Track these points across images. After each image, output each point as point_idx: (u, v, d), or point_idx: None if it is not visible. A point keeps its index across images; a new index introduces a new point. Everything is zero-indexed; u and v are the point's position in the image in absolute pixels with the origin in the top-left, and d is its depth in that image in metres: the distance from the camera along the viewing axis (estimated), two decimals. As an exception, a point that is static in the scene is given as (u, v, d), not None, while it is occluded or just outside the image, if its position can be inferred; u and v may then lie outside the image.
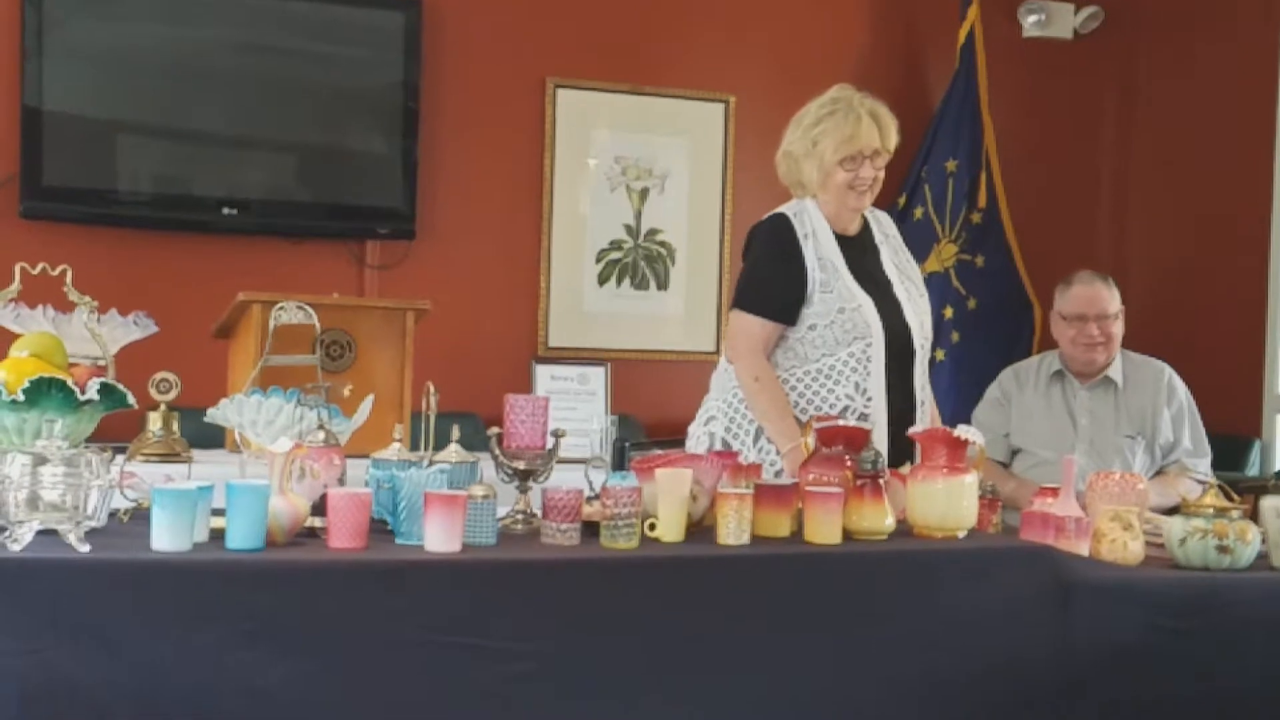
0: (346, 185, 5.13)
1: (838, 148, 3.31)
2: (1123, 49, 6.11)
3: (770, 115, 5.65)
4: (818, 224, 3.35)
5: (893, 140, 3.37)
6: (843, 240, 3.37)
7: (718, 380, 3.45)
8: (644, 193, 5.55)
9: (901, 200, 5.57)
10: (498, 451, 2.72)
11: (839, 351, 3.27)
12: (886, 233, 3.51)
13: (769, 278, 3.34)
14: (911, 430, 3.00)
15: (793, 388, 3.30)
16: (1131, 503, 2.95)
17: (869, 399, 3.27)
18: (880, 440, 3.19)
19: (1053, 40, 6.02)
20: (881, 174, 3.38)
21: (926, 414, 3.39)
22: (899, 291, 3.38)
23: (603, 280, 5.50)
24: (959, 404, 4.48)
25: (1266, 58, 5.49)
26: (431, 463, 2.66)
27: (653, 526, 2.58)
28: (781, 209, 3.42)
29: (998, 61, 5.77)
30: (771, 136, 5.62)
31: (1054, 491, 2.93)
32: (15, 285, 2.64)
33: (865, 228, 3.46)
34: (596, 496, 2.64)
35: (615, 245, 5.52)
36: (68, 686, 2.10)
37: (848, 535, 2.70)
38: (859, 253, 3.39)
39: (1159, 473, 3.88)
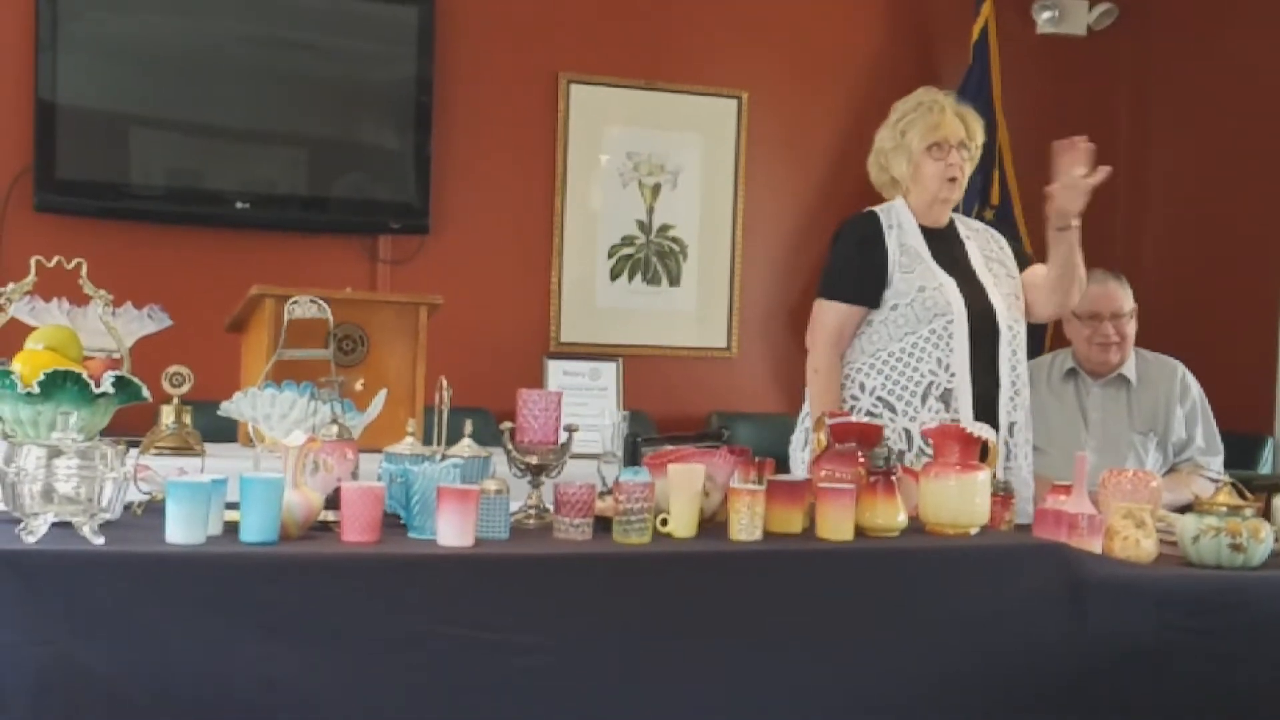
0: (360, 180, 5.13)
1: (924, 135, 3.42)
2: (1136, 46, 6.09)
3: (783, 111, 5.69)
4: (904, 217, 3.45)
5: (978, 137, 3.48)
6: (928, 231, 3.46)
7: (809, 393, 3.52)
8: (656, 188, 5.55)
9: (914, 197, 5.56)
10: (510, 446, 2.72)
11: (920, 329, 3.34)
12: (974, 228, 3.60)
13: (848, 264, 3.44)
14: (923, 427, 3.00)
15: (878, 369, 3.36)
16: (1144, 500, 2.94)
17: (952, 374, 3.32)
18: (965, 417, 3.25)
19: (1066, 37, 6.01)
20: (969, 168, 3.48)
21: (1022, 395, 3.42)
22: (984, 277, 3.45)
23: (615, 276, 5.51)
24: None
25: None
26: (444, 457, 2.66)
27: (665, 522, 2.58)
28: (870, 208, 3.52)
29: (1011, 58, 5.75)
30: (784, 132, 5.68)
31: (1066, 489, 2.92)
32: (30, 278, 2.64)
33: (951, 224, 3.54)
34: (609, 491, 2.64)
35: (627, 241, 5.52)
36: (82, 678, 2.10)
37: (860, 532, 2.70)
38: (944, 243, 3.47)
39: (1171, 471, 3.88)
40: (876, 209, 3.50)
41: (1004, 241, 3.60)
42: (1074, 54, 6.04)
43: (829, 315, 3.42)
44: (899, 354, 3.36)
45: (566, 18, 5.40)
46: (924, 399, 3.31)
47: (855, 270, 3.42)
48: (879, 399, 3.34)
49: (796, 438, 3.54)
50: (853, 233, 3.48)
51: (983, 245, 3.54)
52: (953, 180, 3.43)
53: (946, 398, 3.31)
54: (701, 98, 5.58)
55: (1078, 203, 3.31)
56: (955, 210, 3.59)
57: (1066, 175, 3.30)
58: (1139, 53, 6.10)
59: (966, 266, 3.45)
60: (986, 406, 3.31)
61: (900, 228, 3.43)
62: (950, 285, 3.36)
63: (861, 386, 3.38)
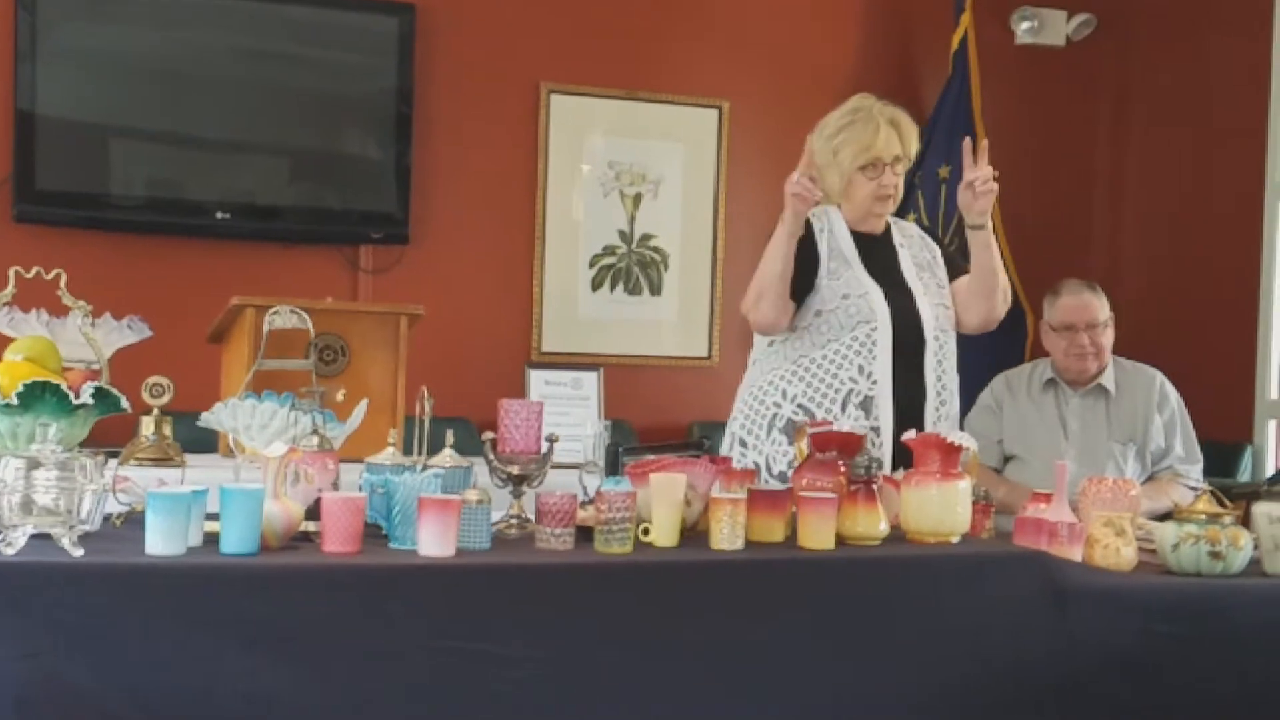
0: (340, 190, 5.13)
1: (856, 155, 3.40)
2: (1115, 56, 6.12)
3: (764, 121, 5.70)
4: (836, 223, 3.45)
5: (913, 146, 3.46)
6: (860, 237, 3.46)
7: (742, 385, 3.54)
8: (637, 198, 5.55)
9: (894, 207, 5.58)
10: (492, 456, 2.72)
11: (843, 336, 3.35)
12: (909, 234, 3.58)
13: None
14: (905, 437, 3.01)
15: (800, 376, 3.37)
16: (1124, 508, 2.95)
17: (874, 382, 3.33)
18: (885, 425, 3.26)
19: (1045, 47, 6.03)
20: (902, 180, 3.46)
21: (949, 405, 3.43)
22: (914, 285, 3.44)
23: (596, 285, 5.51)
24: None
25: (1258, 64, 5.51)
26: (426, 467, 2.66)
27: (647, 531, 2.58)
28: None
29: (990, 69, 5.78)
30: (765, 142, 5.69)
31: (1047, 497, 2.93)
32: (9, 289, 2.64)
33: (887, 230, 3.53)
34: (590, 501, 2.64)
35: (609, 250, 5.52)
36: (62, 690, 2.09)
37: (841, 540, 2.70)
38: (877, 250, 3.46)
39: (1151, 479, 3.89)
40: (809, 212, 3.45)
41: (937, 250, 3.58)
42: (1053, 64, 6.07)
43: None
44: (820, 361, 3.36)
45: (547, 28, 5.40)
46: (844, 406, 3.31)
47: None
48: (800, 406, 3.34)
49: (726, 447, 3.52)
50: None
51: (915, 253, 3.53)
52: (886, 198, 3.43)
53: (867, 405, 3.31)
54: (682, 108, 5.59)
55: (981, 200, 3.34)
56: (916, 218, 3.60)
57: (969, 173, 3.34)
58: (1118, 63, 6.13)
59: (896, 274, 3.45)
60: (911, 415, 3.30)
61: (832, 232, 3.44)
62: (876, 293, 3.36)
63: (784, 394, 3.38)
